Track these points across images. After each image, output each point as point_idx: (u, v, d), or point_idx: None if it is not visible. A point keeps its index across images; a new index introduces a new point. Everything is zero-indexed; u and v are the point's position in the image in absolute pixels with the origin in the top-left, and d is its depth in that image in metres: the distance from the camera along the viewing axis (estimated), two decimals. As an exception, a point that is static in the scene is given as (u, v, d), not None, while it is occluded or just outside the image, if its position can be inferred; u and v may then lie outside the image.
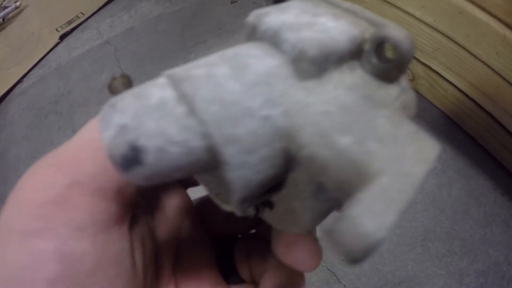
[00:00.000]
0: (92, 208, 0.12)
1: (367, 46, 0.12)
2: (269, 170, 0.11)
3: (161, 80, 0.11)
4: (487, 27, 0.60)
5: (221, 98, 0.11)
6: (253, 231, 0.20)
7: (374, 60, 0.12)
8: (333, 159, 0.10)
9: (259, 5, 0.99)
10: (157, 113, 0.10)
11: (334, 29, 0.12)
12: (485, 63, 0.64)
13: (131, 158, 0.10)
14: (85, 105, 1.01)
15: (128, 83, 0.13)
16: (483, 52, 0.63)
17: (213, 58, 0.12)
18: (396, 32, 0.11)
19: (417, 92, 0.84)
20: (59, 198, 0.12)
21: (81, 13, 1.30)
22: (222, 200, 0.14)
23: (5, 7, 1.38)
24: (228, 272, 0.19)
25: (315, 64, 0.11)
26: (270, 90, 0.11)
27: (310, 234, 0.16)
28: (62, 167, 0.12)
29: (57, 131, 0.99)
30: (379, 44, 0.12)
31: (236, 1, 1.16)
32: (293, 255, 0.15)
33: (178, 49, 1.08)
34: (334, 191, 0.10)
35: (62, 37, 1.25)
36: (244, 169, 0.11)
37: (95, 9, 1.31)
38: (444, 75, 0.74)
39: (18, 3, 1.40)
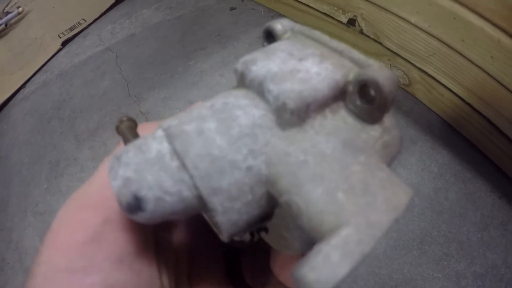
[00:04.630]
0: (125, 241, 0.14)
1: (350, 88, 0.13)
2: (254, 210, 0.13)
3: (159, 133, 0.13)
4: (481, 31, 0.60)
5: (209, 153, 0.12)
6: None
7: (357, 101, 0.13)
8: (305, 208, 0.11)
9: (258, 12, 1.00)
10: (155, 167, 0.12)
11: (317, 75, 0.13)
12: (480, 68, 0.64)
13: (134, 206, 0.12)
14: (87, 111, 1.02)
15: (133, 127, 0.15)
16: (478, 57, 0.64)
17: (204, 110, 0.13)
18: (377, 73, 0.12)
19: (414, 97, 0.85)
20: (96, 236, 0.13)
21: (83, 19, 1.32)
22: (218, 230, 0.15)
23: (8, 13, 1.41)
24: (234, 277, 0.20)
25: (295, 115, 0.12)
26: (253, 142, 0.12)
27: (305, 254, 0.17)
28: (93, 207, 0.14)
29: (59, 136, 1.00)
30: (362, 86, 0.12)
31: (235, 8, 1.17)
32: (286, 274, 0.16)
33: (178, 55, 1.10)
34: (308, 234, 0.11)
35: (64, 43, 1.26)
36: (230, 213, 0.12)
37: (96, 16, 1.33)
38: (440, 80, 0.74)
39: (20, 9, 1.42)
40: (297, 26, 0.16)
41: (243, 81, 0.14)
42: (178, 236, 0.18)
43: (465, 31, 0.63)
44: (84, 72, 1.14)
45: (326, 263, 0.09)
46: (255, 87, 0.13)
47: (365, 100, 0.12)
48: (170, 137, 0.12)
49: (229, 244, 0.21)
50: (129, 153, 0.12)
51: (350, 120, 0.13)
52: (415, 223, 0.70)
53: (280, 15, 1.09)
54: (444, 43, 0.68)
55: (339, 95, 0.13)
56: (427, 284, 0.64)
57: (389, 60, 0.84)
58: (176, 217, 0.13)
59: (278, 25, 0.16)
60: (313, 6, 0.94)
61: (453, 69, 0.70)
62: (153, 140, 0.13)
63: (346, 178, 0.11)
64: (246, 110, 0.13)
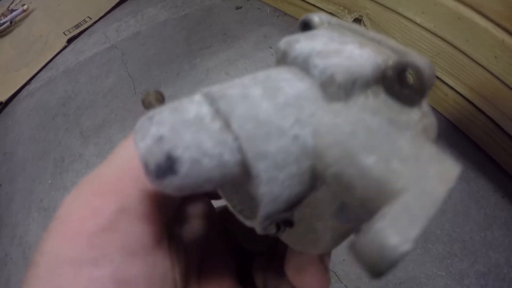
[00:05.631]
0: (140, 232, 0.13)
1: (390, 73, 0.13)
2: (296, 186, 0.12)
3: (197, 97, 0.12)
4: (486, 32, 0.61)
5: (255, 116, 0.11)
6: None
7: (396, 85, 0.13)
8: (359, 178, 0.10)
9: (263, 11, 1.00)
10: (194, 127, 0.11)
11: (360, 56, 0.13)
12: (484, 68, 0.65)
13: (165, 167, 0.10)
14: (92, 108, 1.03)
15: (161, 98, 0.14)
16: (482, 57, 0.64)
17: (246, 79, 0.13)
18: (417, 59, 0.12)
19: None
20: (109, 225, 0.12)
21: (88, 17, 1.33)
22: (245, 216, 0.14)
23: (13, 10, 1.41)
24: (245, 280, 0.20)
25: (342, 89, 0.12)
26: (300, 111, 0.12)
27: (322, 260, 0.16)
28: (107, 194, 0.13)
29: (64, 132, 1.00)
30: (401, 71, 0.12)
31: (241, 7, 1.18)
32: (301, 278, 0.16)
33: (184, 53, 1.10)
34: (358, 210, 0.11)
35: (70, 41, 1.27)
36: (273, 184, 0.11)
37: (102, 14, 1.34)
38: (444, 80, 0.75)
39: (25, 7, 1.43)
40: (334, 20, 0.16)
41: (284, 59, 0.14)
42: (189, 231, 0.18)
43: (469, 32, 0.64)
44: (89, 69, 1.15)
45: (394, 228, 0.09)
46: (298, 63, 0.13)
47: (405, 85, 0.13)
48: (212, 99, 0.12)
49: (242, 246, 0.20)
50: (164, 113, 0.11)
51: (390, 102, 0.13)
52: (418, 221, 0.70)
53: (286, 15, 1.10)
54: (448, 43, 0.69)
55: (380, 78, 0.13)
56: (431, 282, 0.64)
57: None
58: (208, 186, 0.11)
59: (315, 17, 0.16)
60: (319, 5, 0.95)
61: (457, 69, 0.71)
62: (190, 103, 0.12)
63: (398, 150, 0.11)
64: (291, 82, 0.12)
